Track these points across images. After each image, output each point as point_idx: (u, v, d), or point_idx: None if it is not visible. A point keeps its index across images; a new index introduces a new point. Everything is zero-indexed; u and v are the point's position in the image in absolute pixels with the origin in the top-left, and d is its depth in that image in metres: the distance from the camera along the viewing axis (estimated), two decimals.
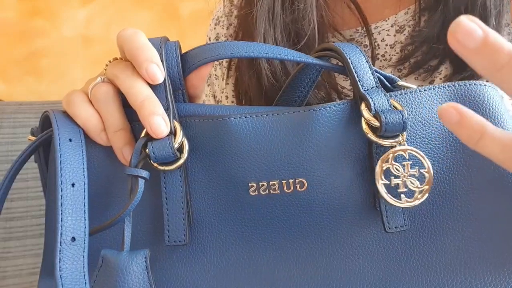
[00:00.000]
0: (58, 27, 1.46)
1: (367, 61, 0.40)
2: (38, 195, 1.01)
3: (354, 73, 0.39)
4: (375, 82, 0.39)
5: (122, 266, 0.34)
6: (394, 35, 0.57)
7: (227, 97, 0.66)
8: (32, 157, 0.41)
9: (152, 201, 0.38)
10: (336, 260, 0.37)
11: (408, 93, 0.39)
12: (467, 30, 0.25)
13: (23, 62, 1.44)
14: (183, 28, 1.51)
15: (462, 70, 0.51)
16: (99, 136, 0.38)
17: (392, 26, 0.57)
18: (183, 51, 0.41)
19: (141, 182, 0.36)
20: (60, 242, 0.33)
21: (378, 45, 0.58)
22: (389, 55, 0.57)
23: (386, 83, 0.40)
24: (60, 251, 0.33)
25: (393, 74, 0.55)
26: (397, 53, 0.57)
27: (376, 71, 0.40)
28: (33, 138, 0.41)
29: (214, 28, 0.68)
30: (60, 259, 0.33)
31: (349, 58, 0.39)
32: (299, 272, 0.37)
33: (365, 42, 0.58)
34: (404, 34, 0.57)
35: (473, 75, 0.51)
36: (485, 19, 0.49)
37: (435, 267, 0.37)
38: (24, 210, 1.00)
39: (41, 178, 0.42)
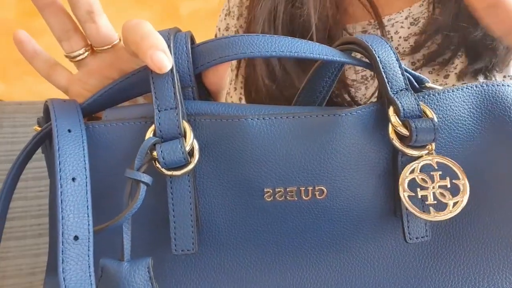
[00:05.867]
0: None
1: (397, 59, 0.37)
2: (37, 195, 1.01)
3: (383, 73, 0.36)
4: (405, 83, 0.36)
5: (124, 279, 0.31)
6: (408, 28, 0.56)
7: (235, 88, 0.65)
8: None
9: (157, 206, 0.36)
10: (353, 268, 0.36)
11: (436, 94, 0.37)
12: None
13: (23, 62, 1.43)
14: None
15: (476, 60, 0.51)
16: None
17: (406, 18, 0.57)
18: None
19: (143, 188, 0.33)
20: (62, 242, 0.30)
21: (391, 37, 0.57)
22: (403, 48, 0.57)
23: (415, 83, 0.38)
24: (62, 251, 0.30)
25: (407, 67, 0.54)
26: (411, 45, 0.56)
27: (406, 71, 0.37)
28: (39, 128, 0.38)
29: (225, 19, 0.67)
30: (63, 260, 0.30)
31: (378, 56, 0.36)
32: (314, 279, 0.36)
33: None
34: (419, 26, 0.56)
35: (487, 67, 0.50)
36: None
37: (454, 277, 0.36)
38: (23, 210, 1.00)
39: (48, 171, 0.40)
